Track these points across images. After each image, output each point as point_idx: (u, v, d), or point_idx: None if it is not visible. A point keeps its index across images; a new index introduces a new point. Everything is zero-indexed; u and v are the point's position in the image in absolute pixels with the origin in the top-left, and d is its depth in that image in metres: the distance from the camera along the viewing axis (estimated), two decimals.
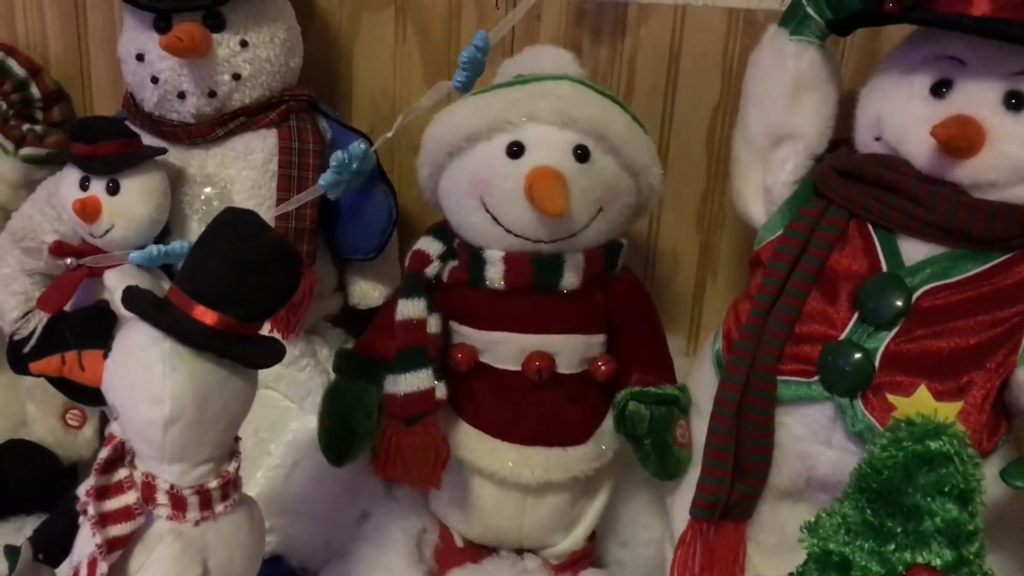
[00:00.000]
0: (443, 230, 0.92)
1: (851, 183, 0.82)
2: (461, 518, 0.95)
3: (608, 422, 0.93)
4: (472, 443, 0.91)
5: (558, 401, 0.91)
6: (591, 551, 0.98)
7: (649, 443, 0.89)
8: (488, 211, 0.85)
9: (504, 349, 0.89)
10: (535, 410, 0.90)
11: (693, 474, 0.86)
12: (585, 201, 0.84)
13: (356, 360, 0.93)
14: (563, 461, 0.91)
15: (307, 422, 0.99)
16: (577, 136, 0.84)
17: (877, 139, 0.83)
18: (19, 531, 0.97)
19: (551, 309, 0.88)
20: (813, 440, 0.82)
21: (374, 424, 0.89)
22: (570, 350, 0.90)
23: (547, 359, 0.88)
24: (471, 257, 0.88)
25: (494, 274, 0.87)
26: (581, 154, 0.84)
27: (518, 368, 0.89)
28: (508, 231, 0.85)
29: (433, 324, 0.86)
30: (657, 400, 0.90)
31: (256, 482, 0.98)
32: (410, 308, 0.86)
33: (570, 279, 0.87)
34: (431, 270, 0.89)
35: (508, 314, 0.88)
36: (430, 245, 0.91)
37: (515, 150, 0.84)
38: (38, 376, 0.82)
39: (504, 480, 0.90)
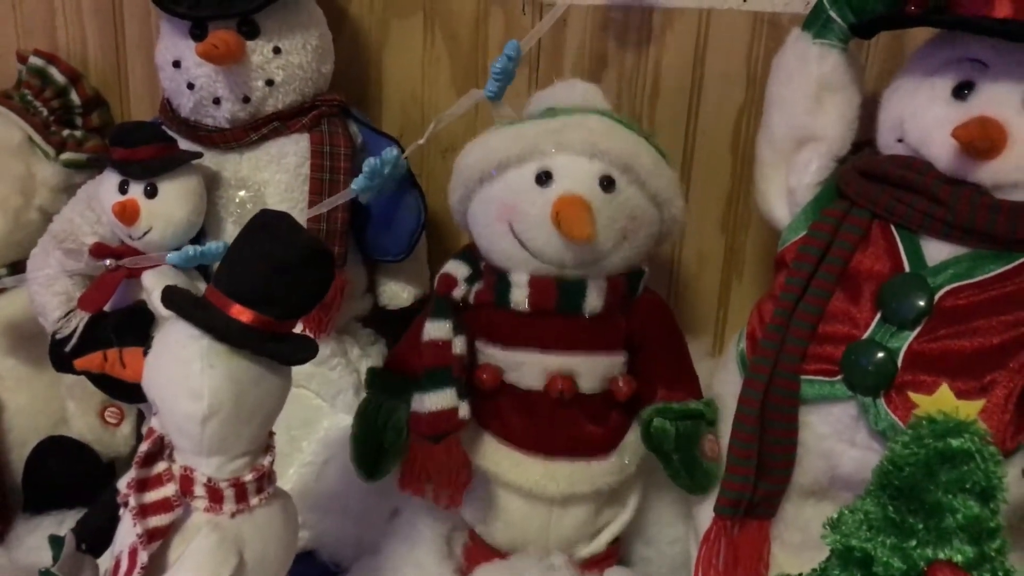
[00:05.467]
0: (469, 253, 0.94)
1: (874, 184, 0.83)
2: (489, 527, 0.96)
3: (630, 436, 0.94)
4: (498, 457, 0.93)
5: (581, 418, 0.92)
6: (615, 551, 0.99)
7: (678, 459, 0.90)
8: (515, 236, 0.87)
9: (527, 368, 0.91)
10: (559, 426, 0.92)
11: None
12: (610, 229, 0.86)
13: (387, 377, 0.95)
14: (587, 474, 0.92)
15: (338, 420, 1.01)
16: (604, 167, 0.86)
17: (899, 141, 0.83)
18: (60, 524, 1.00)
19: (573, 331, 0.89)
20: (837, 439, 0.83)
21: (404, 441, 0.90)
22: (591, 370, 0.91)
23: (569, 381, 0.90)
24: (497, 279, 0.90)
25: (519, 297, 0.88)
26: (607, 184, 0.85)
27: (541, 387, 0.90)
28: (534, 255, 0.86)
29: (458, 345, 0.88)
30: (681, 415, 0.90)
31: (288, 478, 0.99)
32: (436, 329, 0.88)
33: (593, 303, 0.88)
34: (458, 292, 0.91)
35: (531, 334, 0.89)
36: (457, 268, 0.93)
37: (543, 178, 0.86)
38: (80, 373, 0.84)
39: (530, 492, 0.92)
